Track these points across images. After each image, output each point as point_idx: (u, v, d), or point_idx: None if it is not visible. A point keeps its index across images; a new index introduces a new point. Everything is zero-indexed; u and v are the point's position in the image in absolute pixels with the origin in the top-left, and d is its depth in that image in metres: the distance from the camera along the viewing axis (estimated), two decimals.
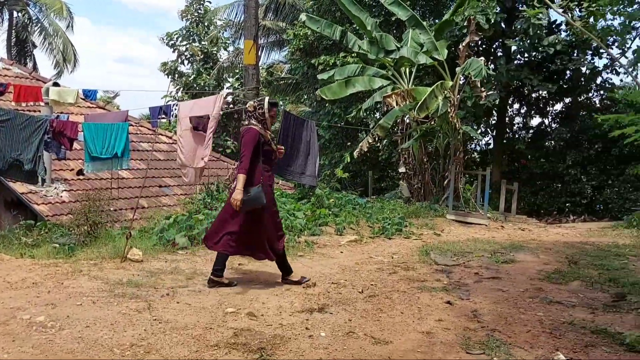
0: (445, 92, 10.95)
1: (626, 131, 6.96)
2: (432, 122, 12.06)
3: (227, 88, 25.10)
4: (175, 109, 7.90)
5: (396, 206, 10.59)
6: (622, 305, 4.66)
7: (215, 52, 25.84)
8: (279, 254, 4.96)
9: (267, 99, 4.93)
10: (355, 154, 11.96)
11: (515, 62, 16.76)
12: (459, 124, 11.64)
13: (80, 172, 9.85)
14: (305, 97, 23.20)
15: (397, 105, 10.90)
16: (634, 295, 4.98)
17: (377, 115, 16.79)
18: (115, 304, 4.14)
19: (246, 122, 4.89)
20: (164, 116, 7.39)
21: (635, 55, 15.15)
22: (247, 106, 4.97)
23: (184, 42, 25.25)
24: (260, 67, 27.12)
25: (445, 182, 11.94)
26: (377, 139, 11.81)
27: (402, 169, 12.68)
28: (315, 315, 4.10)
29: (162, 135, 13.25)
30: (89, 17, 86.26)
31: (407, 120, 12.84)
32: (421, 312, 4.29)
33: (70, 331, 3.53)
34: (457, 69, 11.24)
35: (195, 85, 23.11)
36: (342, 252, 6.81)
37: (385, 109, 11.74)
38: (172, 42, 25.01)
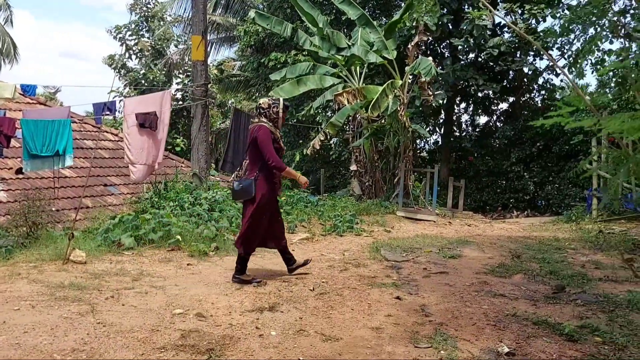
0: (395, 91, 11.13)
1: (562, 121, 7.36)
2: (383, 121, 12.24)
3: (176, 84, 24.61)
4: (121, 105, 7.65)
5: (347, 204, 10.68)
6: (561, 296, 4.87)
7: (165, 47, 25.27)
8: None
9: (281, 99, 5.05)
10: (308, 151, 11.97)
11: (462, 62, 17.24)
12: (408, 123, 11.86)
13: (19, 171, 9.37)
14: (257, 94, 23.09)
15: (348, 103, 10.99)
16: (572, 287, 5.22)
17: (329, 113, 16.89)
18: (56, 307, 3.97)
19: (256, 120, 4.96)
20: (108, 112, 7.15)
21: (575, 57, 15.87)
22: (260, 103, 5.03)
23: (133, 37, 24.55)
24: (211, 64, 26.78)
25: (396, 180, 12.15)
26: (328, 137, 11.86)
27: (353, 167, 12.80)
28: (266, 314, 4.07)
29: (107, 132, 12.82)
30: (30, 10, 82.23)
31: (358, 119, 12.96)
32: (371, 308, 4.34)
33: (6, 337, 3.35)
34: (407, 68, 11.45)
35: (144, 81, 22.53)
36: (293, 250, 6.75)
37: (337, 107, 11.82)
38: (121, 35, 24.25)
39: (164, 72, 23.63)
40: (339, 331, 3.77)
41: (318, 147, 11.88)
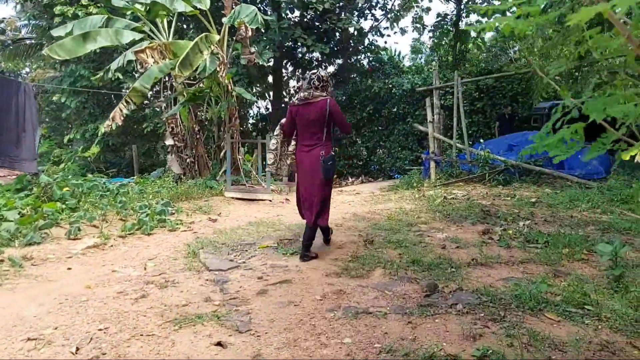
0: (212, 47, 9.23)
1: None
2: (201, 84, 10.30)
3: None
4: None
5: (162, 188, 8.65)
6: (437, 301, 3.69)
7: None
8: None
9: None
10: (106, 127, 9.51)
11: (287, 21, 15.91)
12: (231, 86, 10.10)
13: None
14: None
15: (154, 62, 8.81)
16: (443, 281, 4.11)
17: (137, 76, 14.31)
18: None
19: (324, 93, 4.85)
20: None
21: (396, 14, 15.27)
22: (322, 75, 4.89)
23: None
24: None
25: (222, 154, 10.39)
26: (132, 106, 9.52)
27: (169, 141, 10.68)
28: None
29: None
30: None
31: (172, 83, 10.83)
32: None
33: None
34: (224, 19, 9.59)
35: None
36: (70, 269, 4.70)
37: (139, 67, 9.52)
38: None
39: None
40: None
41: (120, 122, 9.49)
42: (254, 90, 16.49)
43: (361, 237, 5.77)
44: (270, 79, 17.69)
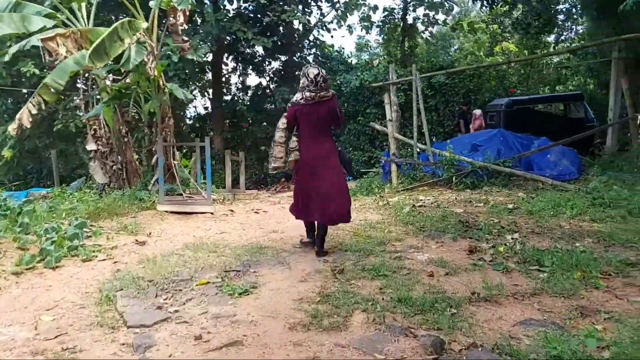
0: (139, 35, 7.87)
1: None
2: (128, 80, 8.90)
3: None
4: None
5: (79, 203, 7.21)
6: None
7: None
8: None
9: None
10: (11, 129, 7.94)
11: (226, 12, 14.61)
12: (162, 81, 8.75)
13: None
14: None
15: (66, 52, 7.37)
16: (447, 332, 3.09)
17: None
18: None
19: (329, 92, 4.85)
20: None
21: (343, 11, 14.39)
22: (323, 74, 4.77)
23: None
24: None
25: (154, 159, 9.02)
26: (43, 105, 8.00)
27: (91, 146, 9.17)
28: None
29: None
30: None
31: (96, 79, 9.34)
32: None
33: None
34: (152, 3, 8.24)
35: None
36: None
37: (48, 57, 7.98)
38: None
39: None
40: None
41: (29, 124, 7.96)
42: (191, 88, 15.06)
43: (327, 262, 4.68)
44: (209, 75, 16.30)
